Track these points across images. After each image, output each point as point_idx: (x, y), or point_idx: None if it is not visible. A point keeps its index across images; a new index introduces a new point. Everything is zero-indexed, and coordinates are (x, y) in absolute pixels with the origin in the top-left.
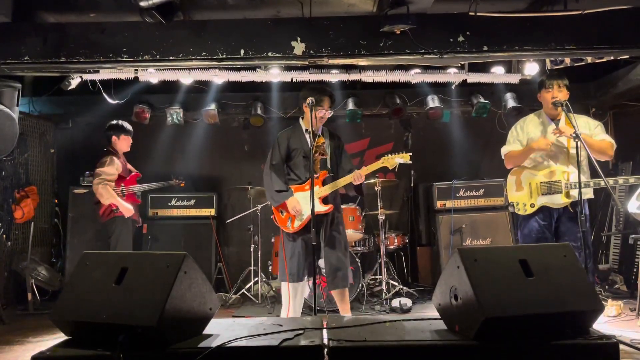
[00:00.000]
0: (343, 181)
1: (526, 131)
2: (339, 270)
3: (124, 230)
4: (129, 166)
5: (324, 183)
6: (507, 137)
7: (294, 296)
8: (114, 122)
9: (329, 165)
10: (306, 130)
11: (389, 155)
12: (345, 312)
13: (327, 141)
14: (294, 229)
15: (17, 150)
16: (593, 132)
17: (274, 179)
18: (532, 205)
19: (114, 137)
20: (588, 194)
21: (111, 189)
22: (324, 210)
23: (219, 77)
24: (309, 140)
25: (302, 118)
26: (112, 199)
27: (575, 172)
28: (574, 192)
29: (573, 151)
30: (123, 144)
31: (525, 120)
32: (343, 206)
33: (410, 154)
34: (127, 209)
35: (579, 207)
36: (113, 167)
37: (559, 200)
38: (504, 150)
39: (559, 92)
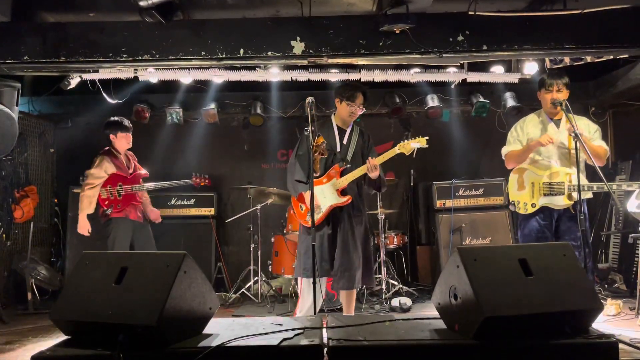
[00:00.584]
0: (358, 172)
1: (526, 131)
2: (346, 271)
3: (119, 233)
4: (135, 164)
5: (342, 175)
6: (507, 138)
7: (310, 292)
8: (111, 119)
9: (348, 157)
10: (337, 126)
11: (405, 141)
12: (349, 314)
13: (356, 138)
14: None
15: (16, 150)
16: (592, 136)
17: (297, 168)
18: (533, 205)
19: (111, 136)
20: (587, 194)
21: (91, 197)
22: (342, 202)
23: (218, 77)
24: (337, 136)
25: (334, 114)
26: (82, 211)
27: (573, 170)
28: (576, 194)
29: (574, 151)
30: (121, 141)
31: (525, 120)
32: None
33: (427, 137)
34: (81, 225)
35: (578, 206)
36: (101, 169)
37: (560, 202)
38: (504, 150)
39: (558, 93)
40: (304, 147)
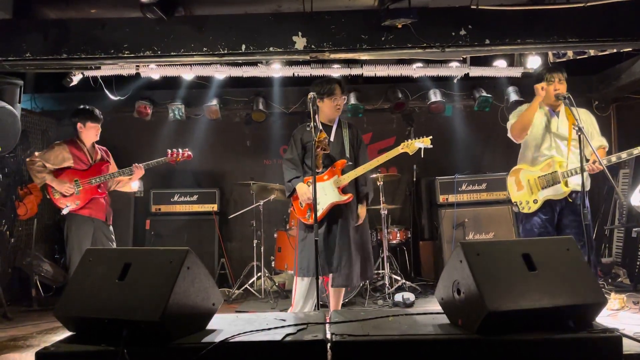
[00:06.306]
0: (361, 169)
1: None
2: (346, 269)
3: (72, 228)
4: (99, 156)
5: (342, 172)
6: (509, 118)
7: (303, 291)
8: (81, 107)
9: (347, 155)
10: (322, 123)
11: (409, 141)
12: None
13: (345, 131)
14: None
15: (19, 147)
16: (594, 133)
17: (285, 171)
18: (535, 202)
19: (79, 125)
20: (586, 184)
21: (40, 171)
22: (343, 200)
23: (220, 73)
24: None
25: (317, 114)
26: (45, 181)
27: (572, 161)
28: (572, 180)
29: (574, 142)
30: (89, 132)
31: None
32: None
33: (431, 137)
34: (63, 188)
35: (580, 200)
36: (55, 156)
37: (560, 190)
38: (509, 124)
39: (560, 84)
40: (292, 151)
